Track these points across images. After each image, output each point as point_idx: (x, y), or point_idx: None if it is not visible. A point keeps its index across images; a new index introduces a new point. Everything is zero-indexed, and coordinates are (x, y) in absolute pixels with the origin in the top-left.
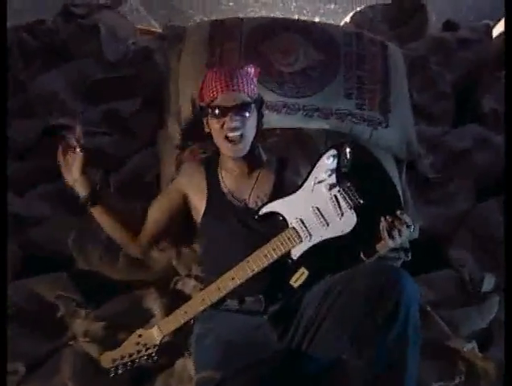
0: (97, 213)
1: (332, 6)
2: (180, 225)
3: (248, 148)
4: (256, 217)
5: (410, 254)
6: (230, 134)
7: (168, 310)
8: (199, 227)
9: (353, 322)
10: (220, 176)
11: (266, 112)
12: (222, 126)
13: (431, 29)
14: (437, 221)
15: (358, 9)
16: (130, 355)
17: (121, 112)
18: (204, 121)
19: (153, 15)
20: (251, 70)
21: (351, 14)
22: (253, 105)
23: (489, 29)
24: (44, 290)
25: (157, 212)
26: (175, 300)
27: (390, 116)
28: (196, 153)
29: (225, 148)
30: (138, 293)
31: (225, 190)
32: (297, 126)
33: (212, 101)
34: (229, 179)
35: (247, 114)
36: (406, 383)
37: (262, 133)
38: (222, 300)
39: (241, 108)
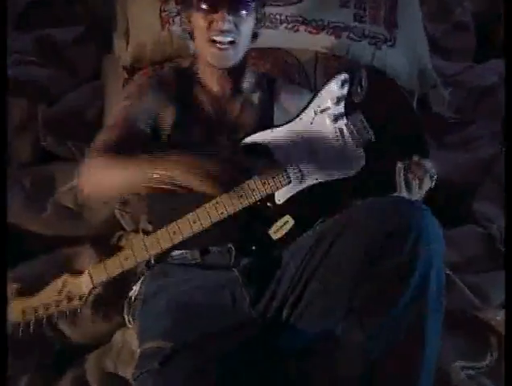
0: None
1: None
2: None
3: (239, 57)
4: (239, 148)
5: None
6: (218, 38)
7: None
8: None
9: (351, 280)
10: (195, 92)
11: None
12: (209, 26)
13: None
14: (457, 169)
15: None
16: (47, 307)
17: (58, 40)
18: (185, 16)
19: None
20: None
21: None
22: (253, 4)
23: None
24: None
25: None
26: None
27: (397, 32)
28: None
29: (208, 54)
30: (68, 250)
31: (200, 110)
32: (279, 46)
33: None
34: (206, 98)
35: (244, 14)
36: (425, 364)
37: None
38: (180, 251)
39: (237, 4)
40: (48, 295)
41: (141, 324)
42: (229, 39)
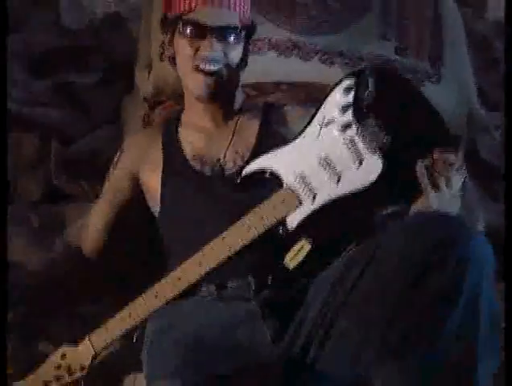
0: None
1: None
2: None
3: (224, 86)
4: (238, 181)
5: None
6: (205, 67)
7: None
8: (157, 215)
9: (386, 311)
10: (181, 137)
11: (269, 53)
12: (196, 53)
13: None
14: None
15: None
16: (47, 385)
17: (77, 85)
18: (167, 40)
19: None
20: None
21: None
22: (243, 32)
23: None
24: None
25: (100, 210)
26: None
27: (443, 68)
28: (170, 110)
29: (192, 81)
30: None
31: (189, 154)
32: (311, 80)
33: (187, 14)
34: (195, 137)
35: (232, 42)
36: None
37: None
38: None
39: (226, 31)
40: (47, 371)
41: (148, 364)
42: (216, 68)
